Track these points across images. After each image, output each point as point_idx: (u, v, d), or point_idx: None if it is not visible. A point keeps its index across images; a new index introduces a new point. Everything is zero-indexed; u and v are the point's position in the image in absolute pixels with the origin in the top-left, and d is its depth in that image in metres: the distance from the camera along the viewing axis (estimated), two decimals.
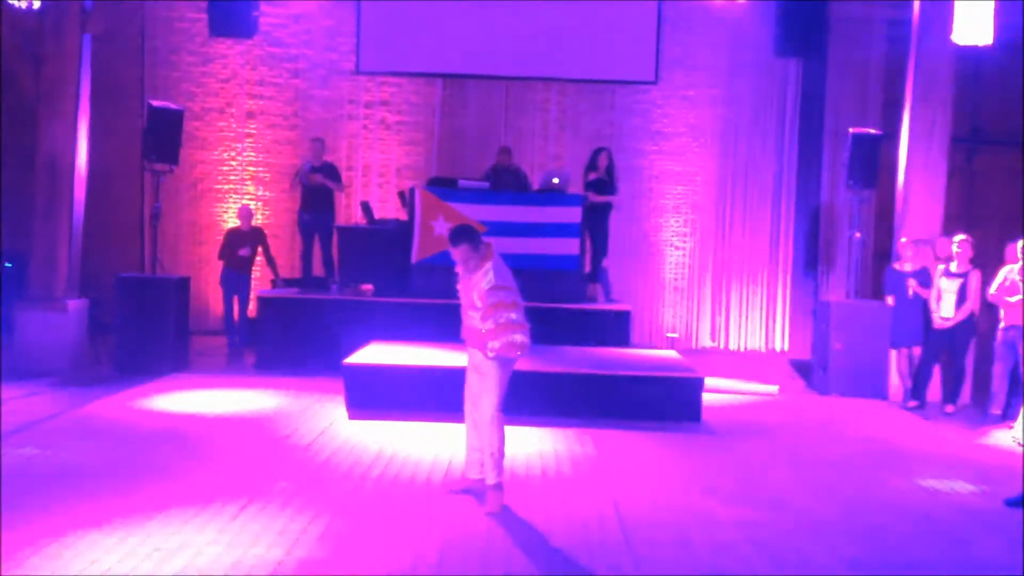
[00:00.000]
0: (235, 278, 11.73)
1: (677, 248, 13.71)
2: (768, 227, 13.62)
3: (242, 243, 11.69)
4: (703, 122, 13.65)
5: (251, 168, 13.62)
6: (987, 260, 10.30)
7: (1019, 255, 8.92)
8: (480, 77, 13.45)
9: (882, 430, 8.75)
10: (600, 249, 11.71)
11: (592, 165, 11.66)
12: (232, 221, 12.93)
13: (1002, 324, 9.14)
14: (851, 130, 11.05)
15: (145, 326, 10.14)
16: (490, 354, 5.78)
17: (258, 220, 12.56)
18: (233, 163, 13.61)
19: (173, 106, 11.05)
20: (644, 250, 13.64)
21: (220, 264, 11.91)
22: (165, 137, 10.64)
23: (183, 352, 10.63)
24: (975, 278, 9.51)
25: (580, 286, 11.07)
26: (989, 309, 9.53)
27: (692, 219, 13.69)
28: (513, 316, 5.77)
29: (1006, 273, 9.12)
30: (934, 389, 9.93)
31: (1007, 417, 8.99)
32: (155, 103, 10.85)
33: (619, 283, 12.48)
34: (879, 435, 8.53)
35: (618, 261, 12.41)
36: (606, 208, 11.59)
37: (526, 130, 13.61)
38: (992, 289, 9.19)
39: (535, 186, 11.80)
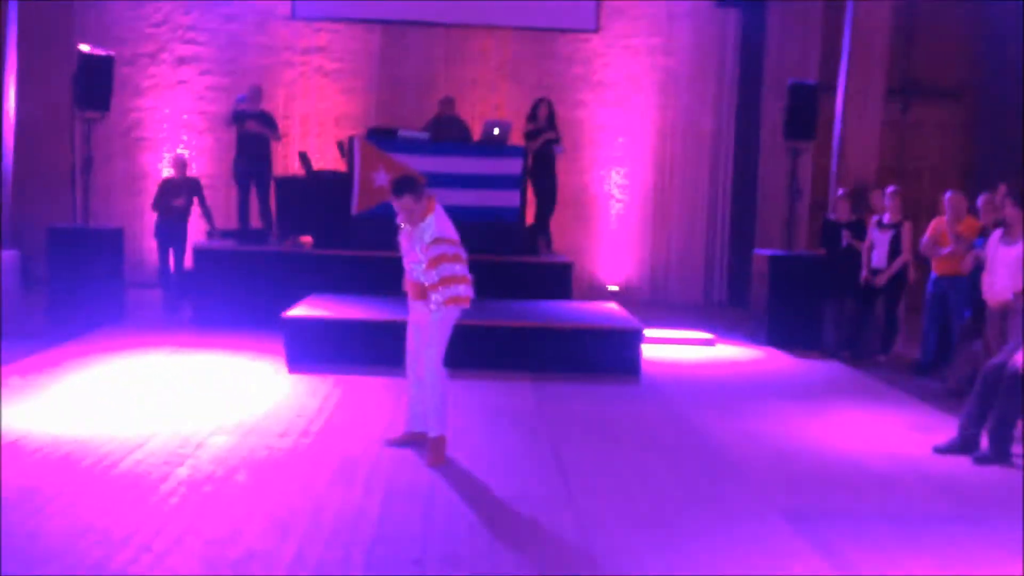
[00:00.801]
0: (170, 229, 11.46)
1: (618, 200, 13.74)
2: (707, 178, 13.69)
3: (177, 193, 11.43)
4: (644, 72, 13.62)
5: (185, 116, 13.33)
6: (920, 212, 10.50)
7: (950, 207, 9.05)
8: (420, 24, 13.27)
9: (815, 380, 8.93)
10: (546, 201, 11.70)
11: (533, 115, 11.60)
12: (167, 170, 12.66)
13: (933, 276, 9.32)
14: (789, 81, 11.12)
15: (79, 278, 9.92)
16: (433, 307, 5.77)
17: (193, 169, 12.31)
18: (167, 110, 13.31)
19: (104, 51, 10.75)
20: (585, 202, 13.65)
21: (155, 215, 11.66)
22: (96, 84, 10.36)
23: (118, 305, 10.45)
24: (907, 230, 9.68)
25: (522, 238, 11.05)
26: (921, 261, 9.70)
27: (633, 170, 13.71)
28: (457, 268, 5.77)
29: (937, 225, 9.28)
30: (866, 339, 10.12)
31: (937, 367, 9.18)
32: (85, 48, 10.54)
33: (560, 235, 12.50)
34: (812, 386, 8.71)
35: (559, 213, 12.39)
36: (551, 159, 11.55)
37: (467, 79, 13.47)
38: (924, 241, 9.34)
39: (476, 137, 11.72)
